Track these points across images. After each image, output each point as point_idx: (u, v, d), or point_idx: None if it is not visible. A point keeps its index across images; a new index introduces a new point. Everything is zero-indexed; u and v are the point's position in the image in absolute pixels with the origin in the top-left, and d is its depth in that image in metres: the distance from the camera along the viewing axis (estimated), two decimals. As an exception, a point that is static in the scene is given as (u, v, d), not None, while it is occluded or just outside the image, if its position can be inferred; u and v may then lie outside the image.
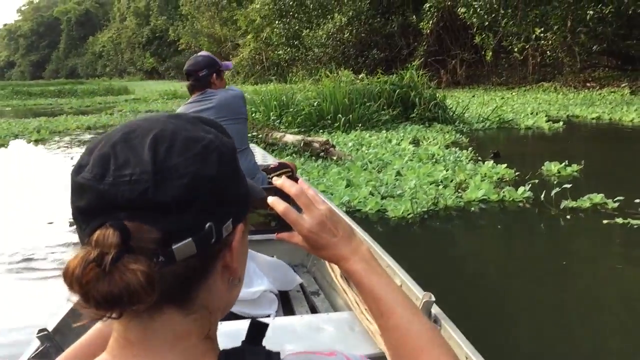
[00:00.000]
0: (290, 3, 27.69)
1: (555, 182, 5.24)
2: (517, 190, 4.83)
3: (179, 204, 0.55)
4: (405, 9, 23.36)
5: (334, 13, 24.48)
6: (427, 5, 19.99)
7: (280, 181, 0.84)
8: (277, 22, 29.59)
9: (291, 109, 9.34)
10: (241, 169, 0.67)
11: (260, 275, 2.49)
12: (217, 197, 0.59)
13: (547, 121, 9.75)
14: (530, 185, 4.86)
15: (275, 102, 9.50)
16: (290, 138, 7.14)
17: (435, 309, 1.70)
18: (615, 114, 10.37)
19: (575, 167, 5.73)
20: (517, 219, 4.48)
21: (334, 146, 6.63)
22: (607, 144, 7.99)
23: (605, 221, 4.02)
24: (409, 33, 22.97)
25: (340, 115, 9.09)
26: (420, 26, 20.49)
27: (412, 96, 9.83)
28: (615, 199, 4.34)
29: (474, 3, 13.54)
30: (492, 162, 6.07)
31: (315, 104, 9.42)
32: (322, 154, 6.62)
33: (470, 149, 6.95)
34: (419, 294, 1.76)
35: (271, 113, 9.33)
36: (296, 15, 28.27)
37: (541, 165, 5.94)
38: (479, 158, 6.60)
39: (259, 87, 26.09)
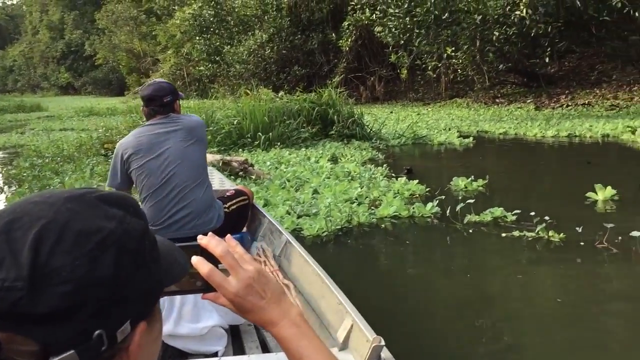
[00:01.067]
0: (211, 19, 27.62)
1: (460, 197, 5.56)
2: (426, 205, 5.08)
3: (59, 314, 0.48)
4: (325, 26, 23.85)
5: (255, 29, 24.62)
6: (346, 23, 20.53)
7: (205, 240, 0.78)
8: (197, 37, 29.38)
9: (211, 128, 9.33)
10: (154, 253, 0.60)
11: (209, 309, 2.43)
12: (112, 299, 0.52)
13: (458, 137, 10.24)
14: (437, 201, 5.13)
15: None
16: (209, 157, 7.14)
17: (385, 353, 1.65)
18: (520, 128, 11.04)
19: (480, 181, 6.09)
20: (426, 234, 4.72)
21: (252, 165, 6.71)
22: (512, 158, 8.52)
23: (503, 234, 4.32)
24: (329, 50, 23.45)
25: (260, 133, 9.19)
26: (340, 44, 20.99)
27: (331, 113, 10.07)
28: (513, 212, 4.67)
29: (389, 23, 14.06)
30: (405, 178, 6.33)
31: (235, 122, 9.47)
32: (241, 173, 6.68)
33: (385, 165, 7.22)
34: (369, 336, 1.70)
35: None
36: (217, 31, 28.19)
37: (450, 181, 6.27)
38: (393, 174, 6.87)
39: (181, 103, 25.81)
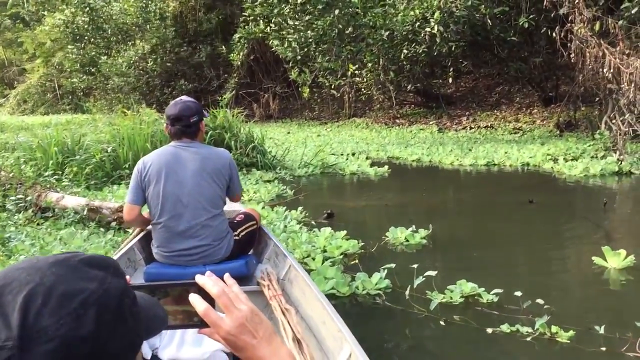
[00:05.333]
0: (85, 26, 24.98)
1: (401, 253, 4.33)
2: (370, 277, 3.78)
3: None
4: (214, 38, 22.25)
5: (136, 39, 22.47)
6: (237, 36, 19.04)
7: (202, 280, 0.84)
8: (70, 46, 26.55)
9: (78, 157, 7.50)
10: (134, 313, 0.67)
11: None
12: (94, 354, 0.57)
13: (370, 165, 9.16)
14: (385, 271, 3.85)
15: (56, 148, 7.55)
16: (71, 202, 5.41)
17: None
18: (433, 155, 10.17)
19: (422, 232, 4.89)
20: (379, 328, 3.39)
21: (129, 214, 5.09)
22: (438, 193, 7.50)
23: (489, 330, 3.10)
24: (219, 64, 21.85)
25: (140, 163, 7.50)
26: (231, 57, 19.46)
27: (228, 138, 8.58)
28: (492, 292, 3.47)
29: (288, 37, 12.79)
30: (329, 229, 5.00)
31: (109, 149, 7.70)
32: (114, 223, 5.03)
33: (300, 208, 5.86)
34: None
35: (50, 162, 7.39)
36: (92, 40, 25.58)
37: (384, 232, 5.03)
38: (312, 221, 5.54)
39: (49, 119, 22.90)
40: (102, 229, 5.01)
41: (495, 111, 15.54)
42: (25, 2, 38.90)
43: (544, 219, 5.75)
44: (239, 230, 3.22)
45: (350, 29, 12.00)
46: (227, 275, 0.92)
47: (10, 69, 40.62)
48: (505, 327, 3.07)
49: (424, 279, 3.61)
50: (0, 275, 0.60)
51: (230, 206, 4.12)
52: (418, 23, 10.84)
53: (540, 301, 3.23)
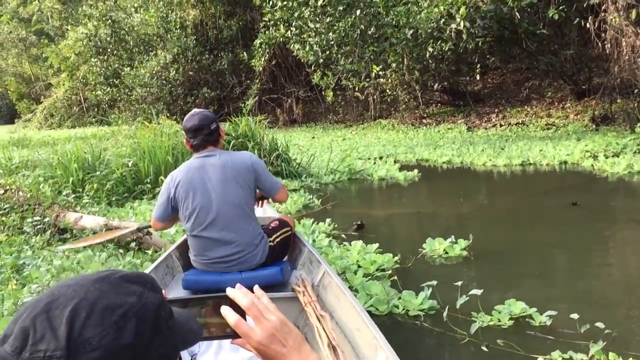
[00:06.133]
0: (108, 39, 25.11)
1: (440, 266, 3.99)
2: (417, 296, 3.45)
3: None
4: (235, 45, 22.09)
5: (157, 50, 22.44)
6: (258, 41, 18.85)
7: (232, 293, 0.89)
8: (93, 59, 26.72)
9: (98, 172, 7.32)
10: (170, 326, 0.72)
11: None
12: None
13: (398, 168, 8.81)
14: (430, 289, 3.51)
15: (76, 164, 7.38)
16: (89, 222, 5.19)
17: None
18: (464, 156, 9.76)
19: (462, 243, 4.54)
20: (416, 350, 3.06)
21: (149, 232, 4.82)
22: (473, 197, 7.10)
23: (539, 357, 2.74)
24: (241, 70, 21.69)
25: (162, 177, 7.28)
26: (252, 63, 19.26)
27: (251, 147, 8.32)
28: (545, 313, 3.11)
29: (309, 39, 12.51)
30: (360, 242, 4.68)
31: (130, 163, 7.50)
32: (133, 244, 4.79)
33: (328, 220, 5.54)
34: None
35: (70, 179, 7.21)
36: (115, 52, 25.71)
37: (419, 243, 4.68)
38: (342, 233, 5.23)
39: (74, 132, 23.00)
40: (120, 251, 4.76)
41: (526, 107, 15.03)
42: (50, 18, 39.51)
43: (592, 223, 5.32)
44: (274, 236, 3.24)
45: (372, 29, 11.67)
46: (256, 287, 0.97)
47: (37, 84, 41.20)
48: (556, 355, 2.71)
49: (467, 298, 3.27)
50: (49, 292, 0.66)
51: (264, 213, 4.17)
52: (443, 20, 10.45)
53: (600, 325, 2.85)
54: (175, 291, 3.11)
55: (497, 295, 3.44)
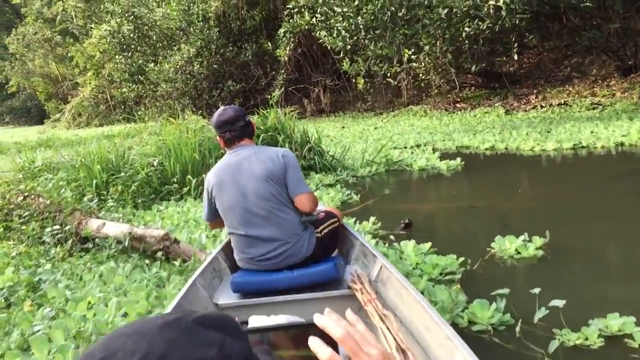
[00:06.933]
0: (131, 35, 24.84)
1: (512, 269, 3.44)
2: (489, 307, 2.93)
3: None
4: (259, 35, 21.59)
5: (181, 44, 22.07)
6: (282, 30, 18.31)
7: (321, 321, 0.73)
8: (118, 56, 26.53)
9: (123, 174, 6.91)
10: None
11: None
12: None
13: (439, 157, 8.24)
14: (504, 300, 2.97)
15: (99, 165, 6.98)
16: (112, 229, 4.76)
17: None
18: (508, 141, 9.12)
19: (538, 241, 3.96)
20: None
21: (177, 241, 4.37)
22: (530, 186, 6.48)
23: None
24: (266, 61, 21.20)
25: (190, 176, 6.86)
26: (277, 53, 18.73)
27: (281, 140, 7.83)
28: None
29: (337, 25, 11.92)
30: (412, 242, 4.16)
31: (155, 162, 7.09)
32: (159, 253, 4.35)
33: (372, 219, 5.03)
34: None
35: (94, 181, 6.82)
36: (139, 48, 25.46)
37: (477, 240, 4.14)
38: (389, 234, 4.71)
39: (101, 131, 22.85)
40: (147, 261, 4.33)
41: (567, 86, 14.23)
42: (74, 17, 39.54)
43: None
44: (321, 227, 3.10)
45: (403, 10, 11.04)
46: (348, 312, 0.80)
47: (64, 83, 41.39)
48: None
49: (547, 311, 2.74)
50: (102, 345, 0.53)
51: None
52: (479, -4, 9.78)
53: None
54: (225, 295, 2.93)
55: (583, 306, 2.90)
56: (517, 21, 10.43)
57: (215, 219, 3.13)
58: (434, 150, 9.10)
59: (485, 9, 9.65)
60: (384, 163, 8.17)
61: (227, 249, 3.30)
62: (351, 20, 11.50)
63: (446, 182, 7.14)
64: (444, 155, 8.51)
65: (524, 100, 14.24)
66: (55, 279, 4.06)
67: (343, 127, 14.84)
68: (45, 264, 4.44)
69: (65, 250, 4.73)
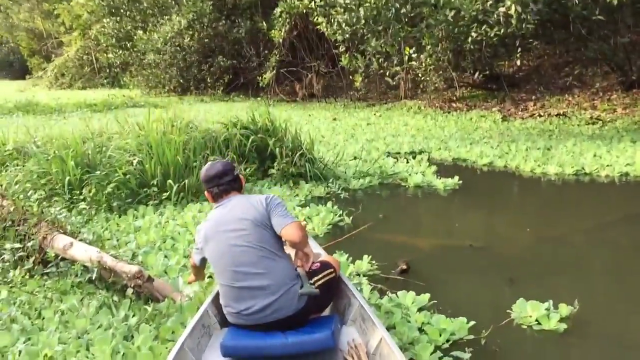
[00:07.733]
0: (121, -1, 23.97)
1: (535, 347, 3.07)
2: None
3: None
4: (254, 13, 20.86)
5: (172, 14, 21.28)
6: (279, 10, 17.64)
7: None
8: (106, 20, 25.61)
9: (99, 171, 6.41)
10: None
11: None
12: None
13: (435, 172, 7.86)
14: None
15: (73, 161, 6.45)
16: (80, 253, 4.28)
17: None
18: (507, 158, 8.73)
19: (564, 310, 3.53)
20: None
21: (151, 279, 3.92)
22: (540, 222, 6.06)
23: None
24: (259, 40, 20.52)
25: (171, 181, 6.38)
26: (272, 34, 18.07)
27: (272, 145, 7.37)
28: None
29: (337, 16, 11.37)
30: (412, 294, 3.77)
31: (135, 162, 6.59)
32: (129, 291, 3.89)
33: (366, 257, 4.62)
34: None
35: (67, 178, 6.31)
36: (128, 13, 24.57)
37: (482, 296, 3.77)
38: (384, 275, 4.33)
39: (83, 97, 22.03)
40: (115, 298, 3.87)
41: (567, 96, 13.88)
42: (62, -28, 38.13)
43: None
44: (315, 279, 2.94)
45: (408, 7, 10.52)
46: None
47: (49, 41, 40.10)
48: None
49: None
50: None
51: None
52: (490, 2, 9.30)
53: None
54: (213, 357, 2.75)
55: None
56: (522, 27, 9.99)
57: (204, 266, 3.21)
58: (430, 161, 8.69)
59: (495, 16, 9.18)
60: (377, 175, 7.75)
61: (217, 301, 3.11)
62: (353, 13, 10.95)
63: (443, 205, 6.76)
64: (440, 168, 8.14)
65: (522, 106, 13.87)
66: (11, 315, 3.61)
67: (334, 119, 14.34)
68: (1, 289, 3.98)
69: (25, 271, 4.26)
